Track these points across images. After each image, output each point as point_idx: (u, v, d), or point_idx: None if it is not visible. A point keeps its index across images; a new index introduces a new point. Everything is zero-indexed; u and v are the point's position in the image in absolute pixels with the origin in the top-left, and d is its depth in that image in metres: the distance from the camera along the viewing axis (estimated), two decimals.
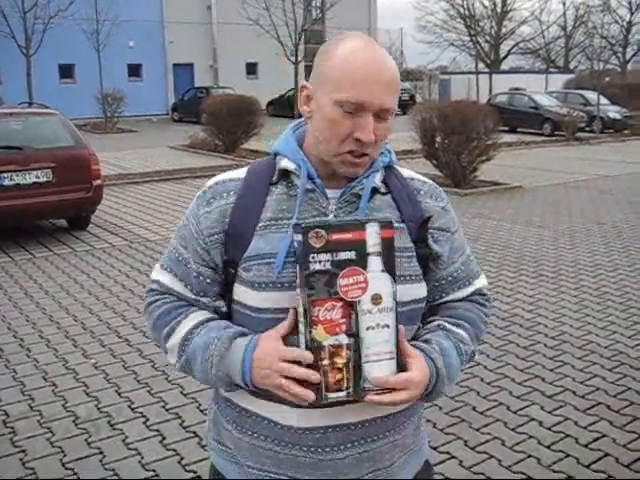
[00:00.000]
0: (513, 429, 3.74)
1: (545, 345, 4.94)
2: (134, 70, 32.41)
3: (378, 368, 1.29)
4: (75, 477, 3.34)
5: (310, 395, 1.25)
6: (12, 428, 3.78)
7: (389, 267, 1.30)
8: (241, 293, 1.41)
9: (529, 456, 3.47)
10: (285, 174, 1.44)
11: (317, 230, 1.26)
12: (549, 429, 3.73)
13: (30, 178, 7.98)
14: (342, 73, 1.33)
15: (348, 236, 1.28)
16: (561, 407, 3.99)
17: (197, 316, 1.45)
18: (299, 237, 1.28)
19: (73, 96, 26.74)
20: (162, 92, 33.20)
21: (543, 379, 4.37)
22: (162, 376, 4.43)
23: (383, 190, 1.44)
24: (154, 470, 3.39)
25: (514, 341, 5.00)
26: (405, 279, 1.38)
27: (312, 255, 1.26)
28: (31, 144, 8.23)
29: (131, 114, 26.64)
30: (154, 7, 32.07)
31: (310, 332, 1.26)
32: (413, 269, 1.41)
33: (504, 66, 45.07)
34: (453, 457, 3.46)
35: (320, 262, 1.26)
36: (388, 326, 1.30)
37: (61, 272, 6.98)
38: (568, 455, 3.47)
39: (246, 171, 1.51)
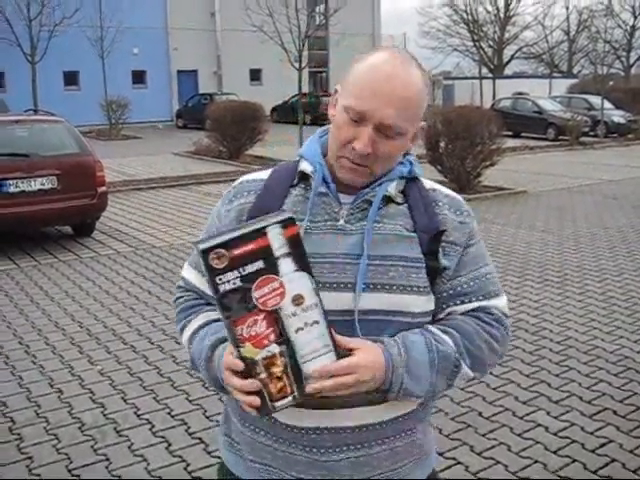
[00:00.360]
0: (519, 434, 3.73)
1: (551, 350, 4.93)
2: (138, 77, 32.50)
3: (318, 364, 1.27)
4: None
5: (254, 401, 1.26)
6: (19, 435, 3.79)
7: (302, 264, 1.26)
8: None
9: (535, 462, 3.46)
10: (304, 177, 1.47)
11: (217, 251, 1.21)
12: (555, 434, 3.73)
13: (35, 185, 8.00)
14: (356, 81, 1.37)
15: (251, 247, 1.23)
16: (567, 412, 3.98)
17: (204, 317, 1.51)
18: (201, 261, 1.23)
19: (78, 103, 26.83)
20: (166, 99, 33.29)
21: (549, 384, 4.36)
22: (168, 383, 4.44)
23: (399, 200, 1.44)
24: (160, 477, 3.39)
25: (519, 346, 4.99)
26: (412, 290, 1.39)
27: (218, 277, 1.22)
28: (37, 151, 8.26)
29: (135, 121, 26.70)
30: (158, 14, 32.19)
31: (239, 351, 1.25)
32: (420, 281, 1.40)
33: (507, 71, 45.10)
34: (459, 463, 3.46)
35: (229, 281, 1.22)
36: (317, 322, 1.27)
37: (66, 279, 6.99)
38: (575, 460, 3.47)
39: (270, 172, 1.54)
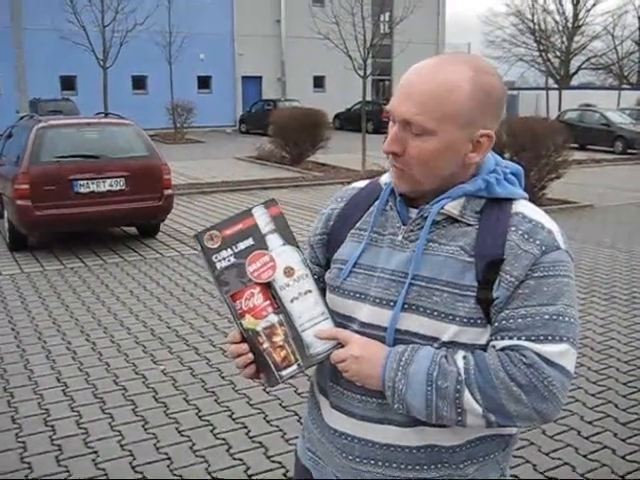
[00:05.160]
0: (585, 455, 3.64)
1: (618, 370, 4.79)
2: (204, 82, 33.07)
3: (315, 330, 1.35)
4: None
5: (247, 371, 1.36)
6: (85, 429, 3.89)
7: (288, 239, 1.38)
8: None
9: None
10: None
11: (210, 232, 1.34)
12: (623, 458, 3.61)
13: (104, 186, 8.22)
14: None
15: (239, 226, 1.35)
16: (636, 436, 3.86)
17: None
18: (199, 246, 1.35)
19: (144, 107, 27.43)
20: (230, 104, 33.75)
21: (616, 405, 4.24)
22: (229, 385, 4.49)
23: (467, 220, 1.35)
24: (220, 479, 3.42)
25: (585, 364, 4.87)
26: (453, 319, 1.30)
27: (214, 256, 1.33)
28: (107, 153, 8.50)
29: (199, 125, 27.17)
30: (225, 21, 32.71)
31: (241, 324, 1.34)
32: (465, 310, 1.30)
33: (574, 82, 44.15)
34: None
35: (224, 259, 1.33)
36: (310, 291, 1.36)
37: (131, 278, 7.15)
38: None
39: (368, 182, 1.58)
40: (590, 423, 4.01)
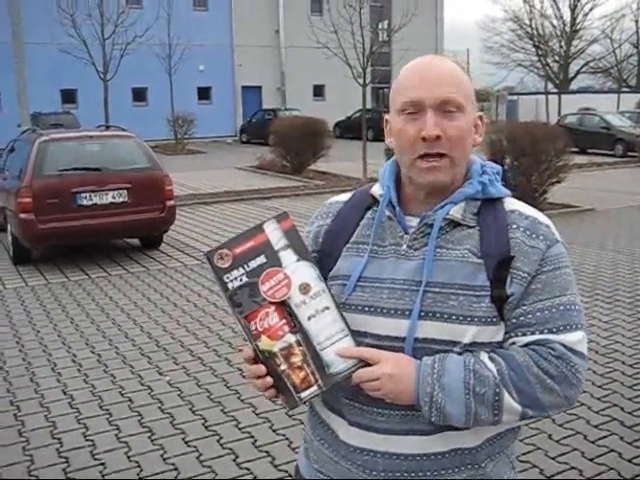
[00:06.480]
0: (591, 459, 3.64)
1: (623, 373, 4.79)
2: (204, 93, 33.15)
3: (336, 349, 1.30)
4: None
5: (267, 394, 1.32)
6: (92, 441, 3.90)
7: (302, 254, 1.32)
8: None
9: None
10: (376, 199, 1.48)
11: (220, 251, 1.29)
12: (630, 461, 3.61)
13: (107, 198, 8.25)
14: (399, 85, 1.41)
15: (250, 243, 1.30)
16: None
17: None
18: (208, 265, 1.31)
19: (145, 118, 27.50)
20: (231, 114, 33.83)
21: (622, 408, 4.24)
22: (235, 395, 4.49)
23: (471, 222, 1.39)
24: None
25: (590, 368, 4.87)
26: (472, 320, 1.32)
27: (225, 275, 1.29)
28: (109, 165, 8.52)
29: (200, 136, 27.24)
30: (224, 32, 32.83)
31: (257, 346, 1.29)
32: (482, 310, 1.32)
33: (573, 86, 44.15)
34: None
35: (236, 279, 1.29)
36: (328, 307, 1.31)
37: (135, 290, 7.17)
38: None
39: (351, 195, 1.57)
40: (596, 427, 4.01)
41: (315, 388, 1.29)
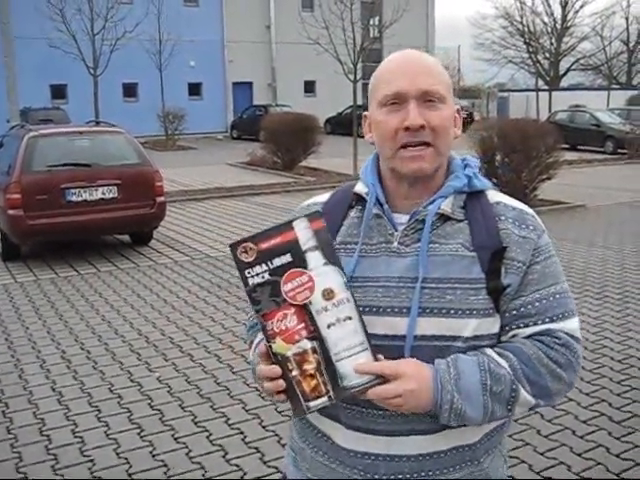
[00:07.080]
0: (579, 454, 3.65)
1: (612, 369, 4.82)
2: (194, 89, 33.04)
3: (353, 362, 1.23)
4: None
5: (276, 398, 1.26)
6: (81, 438, 3.88)
7: (331, 258, 1.25)
8: None
9: None
10: (361, 198, 1.46)
11: (244, 245, 1.23)
12: (617, 456, 3.63)
13: (97, 194, 8.22)
14: (380, 79, 1.41)
15: (278, 240, 1.23)
16: (630, 434, 3.88)
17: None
18: (232, 256, 1.25)
19: (135, 114, 27.36)
20: (221, 110, 33.74)
21: (610, 404, 4.26)
22: (224, 391, 4.49)
23: (460, 216, 1.39)
24: None
25: None
26: (471, 313, 1.32)
27: (247, 270, 1.23)
28: (98, 161, 8.50)
29: (191, 132, 27.16)
30: (215, 27, 32.72)
31: (270, 347, 1.23)
32: (480, 302, 1.33)
33: (564, 83, 44.30)
34: None
35: (257, 275, 1.23)
36: (350, 317, 1.24)
37: (125, 286, 7.14)
38: None
39: (330, 195, 1.54)
40: (584, 422, 4.02)
41: (325, 399, 1.23)
